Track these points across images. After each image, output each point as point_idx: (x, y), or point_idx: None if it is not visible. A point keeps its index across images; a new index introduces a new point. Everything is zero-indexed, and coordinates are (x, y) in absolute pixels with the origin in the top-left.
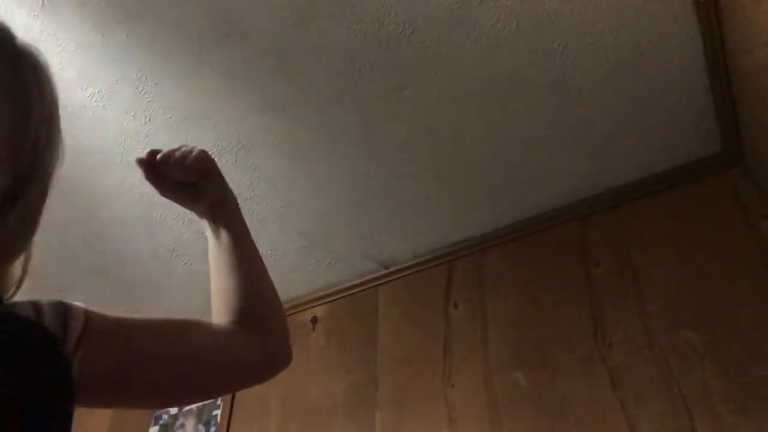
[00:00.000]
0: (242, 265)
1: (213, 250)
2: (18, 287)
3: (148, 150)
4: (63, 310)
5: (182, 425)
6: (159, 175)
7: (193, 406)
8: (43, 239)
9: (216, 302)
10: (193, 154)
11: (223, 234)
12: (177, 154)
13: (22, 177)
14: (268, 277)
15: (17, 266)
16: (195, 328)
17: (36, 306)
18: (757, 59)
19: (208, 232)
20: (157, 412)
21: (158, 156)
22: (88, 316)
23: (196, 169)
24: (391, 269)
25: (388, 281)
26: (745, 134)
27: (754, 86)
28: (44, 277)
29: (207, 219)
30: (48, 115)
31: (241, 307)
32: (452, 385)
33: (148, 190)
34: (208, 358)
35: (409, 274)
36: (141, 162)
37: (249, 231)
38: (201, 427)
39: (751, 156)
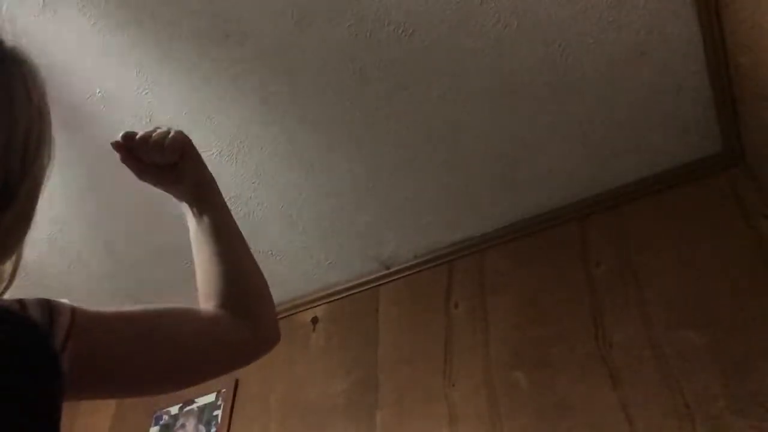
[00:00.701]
0: (226, 247)
1: (195, 233)
2: (8, 286)
3: (122, 133)
4: (48, 307)
5: (183, 425)
6: (136, 157)
7: (194, 406)
8: (42, 239)
9: (202, 287)
10: (171, 134)
11: (205, 216)
12: (154, 135)
13: (13, 179)
14: (251, 257)
15: (8, 265)
16: (183, 315)
17: (21, 304)
18: (758, 59)
19: (189, 216)
20: (158, 413)
21: (136, 138)
22: (75, 312)
23: (175, 149)
24: (391, 269)
25: (388, 281)
26: (745, 134)
27: (755, 86)
28: (44, 276)
29: (187, 201)
30: (38, 118)
31: (227, 291)
32: (453, 385)
33: (149, 190)
34: (197, 346)
35: (409, 274)
36: (117, 145)
37: (230, 211)
38: (201, 427)
39: (751, 156)
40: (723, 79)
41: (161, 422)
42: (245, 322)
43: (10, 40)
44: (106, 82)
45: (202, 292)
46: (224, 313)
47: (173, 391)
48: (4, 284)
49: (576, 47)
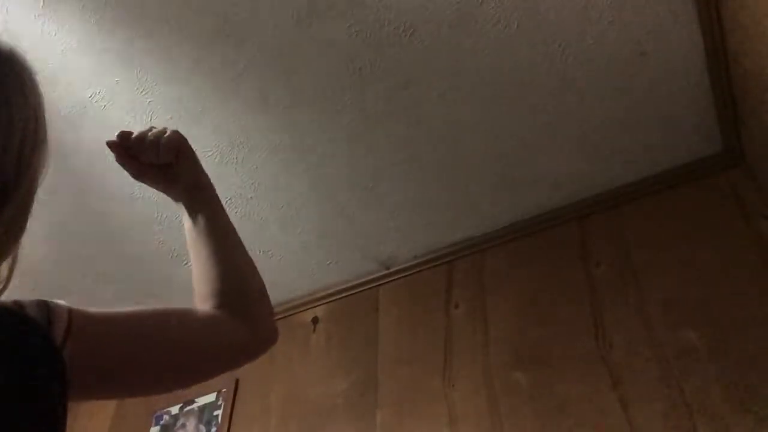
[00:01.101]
0: (223, 248)
1: (191, 233)
2: (5, 287)
3: (118, 132)
4: (45, 309)
5: (183, 425)
6: (132, 157)
7: (194, 406)
8: (43, 240)
9: (199, 287)
10: (167, 134)
11: (201, 216)
12: (150, 135)
13: (8, 181)
14: (248, 257)
15: (4, 267)
16: (181, 316)
17: (19, 305)
18: (758, 59)
19: (185, 216)
20: (158, 413)
21: (132, 137)
22: (72, 314)
23: (171, 149)
24: (391, 269)
25: (388, 281)
26: (745, 134)
27: (755, 86)
28: (44, 277)
29: (183, 202)
30: (33, 119)
31: (225, 291)
32: (453, 385)
33: (149, 190)
34: (196, 346)
35: (409, 274)
36: (113, 144)
37: (225, 211)
38: (202, 427)
39: (751, 156)
40: (723, 79)
41: (161, 422)
42: (243, 322)
43: (6, 41)
44: (106, 82)
45: (200, 292)
46: (222, 313)
47: (172, 391)
48: (1, 285)
49: (576, 47)
